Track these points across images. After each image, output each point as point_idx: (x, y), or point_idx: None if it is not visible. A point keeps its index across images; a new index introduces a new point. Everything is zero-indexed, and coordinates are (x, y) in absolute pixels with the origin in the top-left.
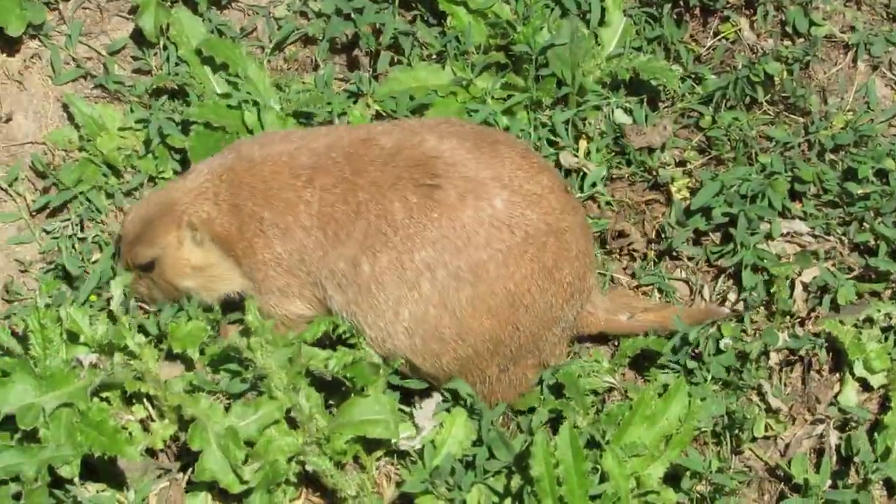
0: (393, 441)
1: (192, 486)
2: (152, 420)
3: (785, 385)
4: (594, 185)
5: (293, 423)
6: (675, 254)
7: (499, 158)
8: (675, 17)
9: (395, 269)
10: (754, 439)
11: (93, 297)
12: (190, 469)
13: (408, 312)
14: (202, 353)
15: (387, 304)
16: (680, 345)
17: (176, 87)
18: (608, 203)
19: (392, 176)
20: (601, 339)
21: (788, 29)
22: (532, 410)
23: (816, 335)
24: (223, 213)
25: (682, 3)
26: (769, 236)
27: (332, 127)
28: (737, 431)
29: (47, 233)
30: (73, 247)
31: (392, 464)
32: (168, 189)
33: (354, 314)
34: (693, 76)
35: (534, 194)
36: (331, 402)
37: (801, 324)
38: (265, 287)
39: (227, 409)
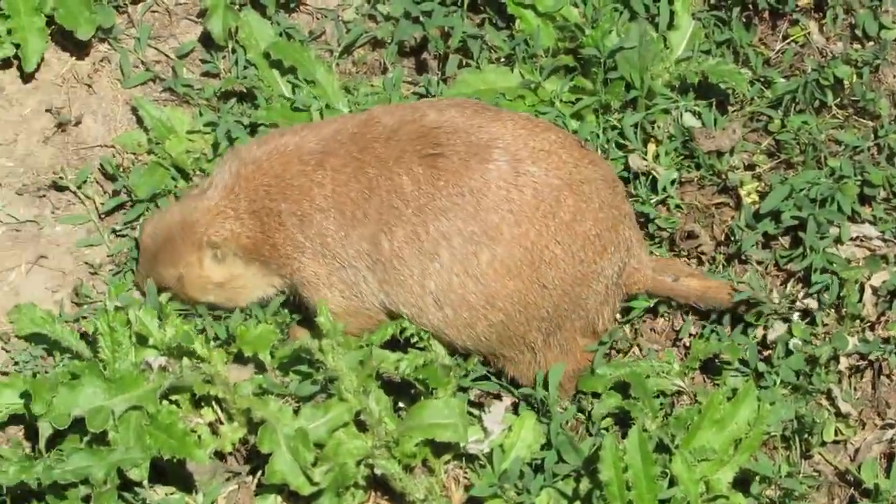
0: (461, 445)
1: (260, 490)
2: (221, 423)
3: (855, 389)
4: (664, 188)
5: (362, 427)
6: (743, 257)
7: (500, 121)
8: (744, 20)
9: (412, 242)
10: (824, 444)
11: (163, 301)
12: (259, 472)
13: (433, 284)
14: (272, 355)
15: (412, 278)
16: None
17: (244, 91)
18: (677, 206)
19: (396, 150)
20: (670, 337)
21: (858, 32)
22: (597, 396)
23: (886, 340)
24: (246, 225)
25: (751, 6)
26: (838, 240)
27: (334, 116)
28: (806, 436)
29: (116, 233)
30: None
31: (461, 467)
32: (187, 208)
33: (388, 294)
34: (762, 80)
35: (541, 150)
36: (400, 404)
37: (871, 328)
38: (297, 279)
39: (296, 411)
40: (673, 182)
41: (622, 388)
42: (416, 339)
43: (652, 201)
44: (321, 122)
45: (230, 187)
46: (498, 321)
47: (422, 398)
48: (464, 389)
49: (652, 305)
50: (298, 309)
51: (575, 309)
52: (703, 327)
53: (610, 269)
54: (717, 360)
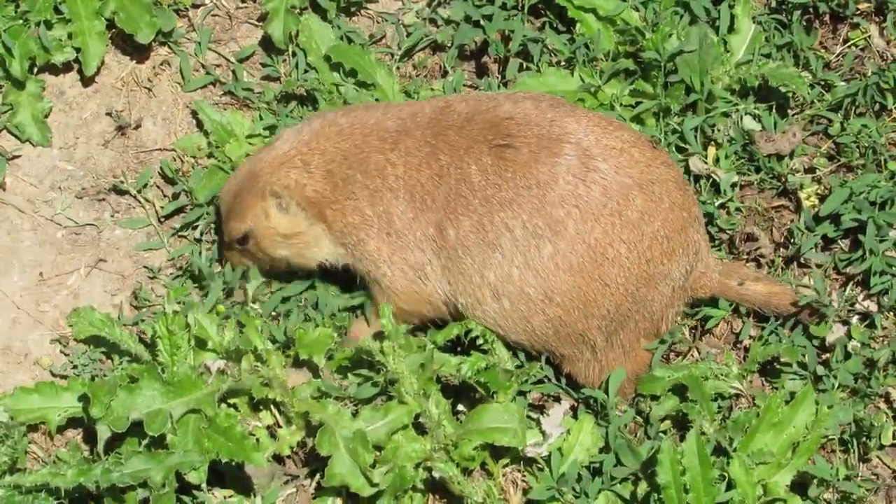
0: (520, 448)
1: (319, 493)
2: (279, 426)
3: None
4: (724, 191)
5: (421, 429)
6: (802, 261)
7: (574, 117)
8: (804, 23)
9: (477, 231)
10: (882, 447)
11: (220, 308)
12: (317, 475)
13: (493, 274)
14: (330, 358)
15: (473, 267)
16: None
17: (304, 94)
18: (737, 209)
19: (468, 139)
20: (729, 341)
21: None
22: (655, 398)
23: None
24: (315, 178)
25: (811, 9)
26: None
27: (411, 101)
28: (864, 439)
29: (176, 232)
30: (202, 252)
31: (519, 470)
32: (252, 160)
33: (448, 281)
34: (822, 83)
35: (612, 148)
36: (459, 407)
37: None
38: (357, 252)
39: (354, 414)
40: (733, 185)
41: (680, 390)
42: (481, 341)
43: (716, 203)
44: (401, 103)
45: (306, 141)
46: (555, 316)
47: (481, 402)
48: (523, 393)
49: (729, 313)
50: (352, 309)
51: (639, 309)
52: (763, 329)
53: (677, 272)
54: (775, 364)
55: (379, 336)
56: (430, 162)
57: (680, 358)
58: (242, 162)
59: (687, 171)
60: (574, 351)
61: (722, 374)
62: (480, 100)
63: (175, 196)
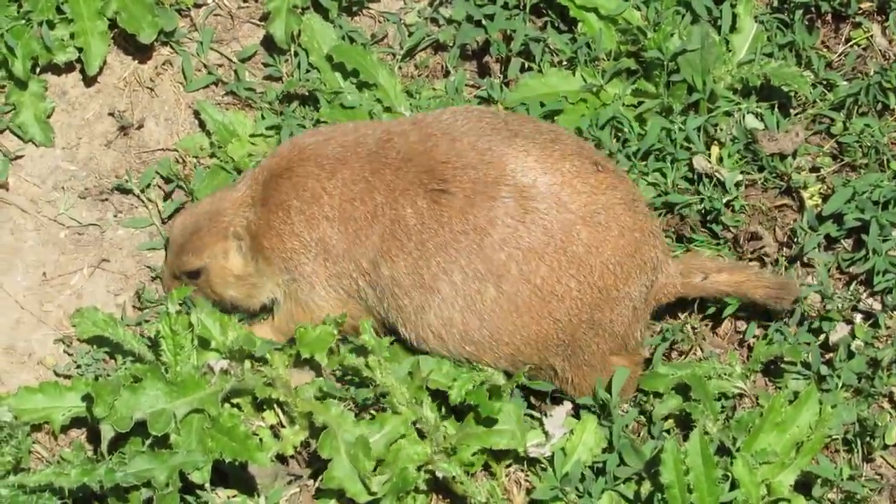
0: (521, 449)
1: (319, 494)
2: (283, 426)
3: None
4: (729, 190)
5: (422, 434)
6: (806, 260)
7: (513, 154)
8: (806, 23)
9: (412, 274)
10: (886, 447)
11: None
12: (320, 476)
13: (433, 317)
14: (331, 352)
15: (411, 307)
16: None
17: (306, 94)
18: (742, 208)
19: (404, 181)
20: (733, 340)
21: None
22: (659, 395)
23: None
24: (256, 212)
25: (813, 9)
26: None
27: (362, 122)
28: (868, 439)
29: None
30: None
31: (522, 470)
32: (216, 198)
33: (387, 312)
34: (824, 82)
35: (552, 185)
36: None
37: None
38: (297, 274)
39: (357, 415)
40: (737, 184)
41: (683, 389)
42: None
43: (723, 201)
44: (350, 127)
45: (255, 176)
46: (507, 354)
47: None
48: (525, 390)
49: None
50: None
51: (598, 332)
52: (767, 328)
53: (636, 292)
54: (779, 363)
55: (362, 351)
56: (365, 198)
57: (683, 356)
58: (201, 200)
59: (691, 169)
60: (539, 373)
61: (725, 374)
62: (420, 136)
63: (167, 196)
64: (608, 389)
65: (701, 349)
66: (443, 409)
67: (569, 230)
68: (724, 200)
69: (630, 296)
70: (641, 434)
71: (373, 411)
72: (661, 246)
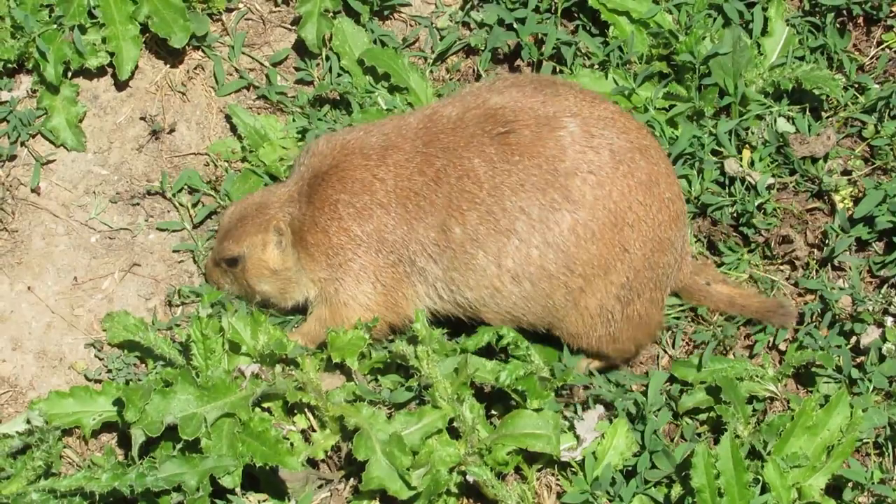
0: (555, 455)
1: (354, 496)
2: (313, 430)
3: None
4: (761, 192)
5: (455, 434)
6: (836, 263)
7: (561, 95)
8: (838, 26)
9: (487, 221)
10: None
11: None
12: (352, 479)
13: (510, 260)
14: (363, 357)
15: (487, 258)
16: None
17: (338, 97)
18: (774, 210)
19: (465, 136)
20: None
21: None
22: (687, 386)
23: None
24: (301, 207)
25: (845, 12)
26: None
27: (396, 115)
28: None
29: (211, 237)
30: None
31: (553, 474)
32: (267, 191)
33: (453, 280)
34: (856, 85)
35: (605, 118)
36: (492, 412)
37: None
38: (342, 272)
39: (389, 417)
40: (768, 188)
41: (714, 391)
42: (513, 347)
43: (755, 203)
44: (385, 119)
45: (302, 174)
46: (577, 287)
47: (516, 407)
48: (560, 395)
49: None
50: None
51: (652, 277)
52: (797, 331)
53: (678, 242)
54: (810, 367)
55: (412, 340)
56: (424, 168)
57: (719, 353)
58: (255, 192)
59: (722, 173)
60: (589, 326)
61: (757, 376)
62: (465, 98)
63: (195, 204)
64: (644, 393)
65: (732, 353)
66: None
67: (631, 157)
68: (757, 203)
69: (675, 244)
70: (675, 439)
71: (408, 409)
72: (686, 222)
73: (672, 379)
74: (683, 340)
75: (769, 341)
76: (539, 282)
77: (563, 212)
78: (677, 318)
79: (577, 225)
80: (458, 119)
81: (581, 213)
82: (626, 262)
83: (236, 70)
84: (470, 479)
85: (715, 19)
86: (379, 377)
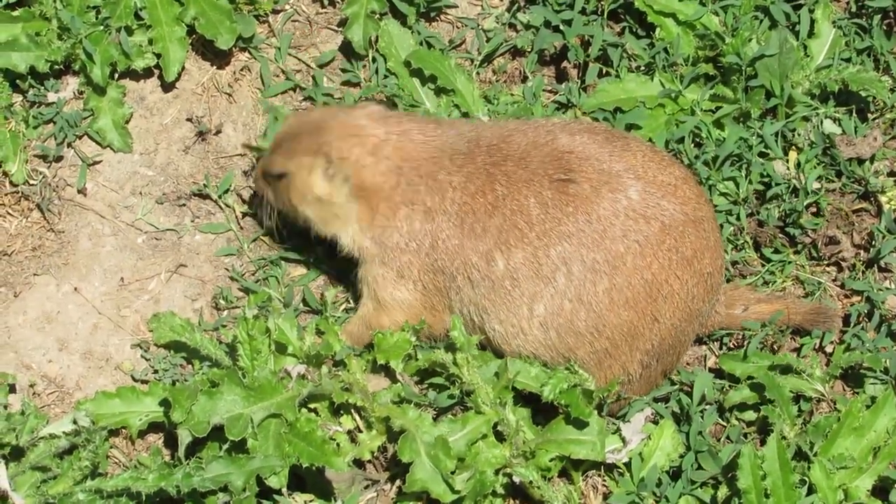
0: (599, 460)
1: (399, 498)
2: (360, 431)
3: None
4: (809, 192)
5: (500, 436)
6: (883, 264)
7: (630, 151)
8: (884, 27)
9: (530, 264)
10: None
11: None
12: (397, 480)
13: (543, 307)
14: (409, 358)
15: (521, 299)
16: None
17: (384, 99)
18: (821, 211)
19: (528, 171)
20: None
21: None
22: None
23: None
24: (382, 168)
25: (892, 13)
26: None
27: (478, 121)
28: None
29: (257, 237)
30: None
31: (599, 475)
32: (332, 112)
33: (484, 308)
34: None
35: (668, 185)
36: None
37: None
38: (388, 259)
39: (435, 418)
40: (815, 191)
41: (760, 388)
42: None
43: (804, 203)
44: (468, 124)
45: (389, 131)
46: (602, 349)
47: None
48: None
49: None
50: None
51: (675, 345)
52: (844, 333)
53: (707, 310)
54: (858, 369)
55: (451, 348)
56: (486, 191)
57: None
58: (326, 105)
59: (768, 175)
60: (608, 375)
61: (805, 373)
62: (537, 131)
63: (249, 202)
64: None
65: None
66: (524, 413)
67: (682, 231)
68: (807, 202)
69: (702, 314)
70: (721, 440)
71: (451, 415)
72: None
73: (719, 373)
74: (731, 338)
75: (816, 344)
76: (565, 335)
77: (602, 274)
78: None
79: (612, 289)
80: (525, 151)
81: (618, 278)
82: (654, 330)
83: (283, 71)
84: (516, 480)
85: (761, 21)
86: (426, 379)
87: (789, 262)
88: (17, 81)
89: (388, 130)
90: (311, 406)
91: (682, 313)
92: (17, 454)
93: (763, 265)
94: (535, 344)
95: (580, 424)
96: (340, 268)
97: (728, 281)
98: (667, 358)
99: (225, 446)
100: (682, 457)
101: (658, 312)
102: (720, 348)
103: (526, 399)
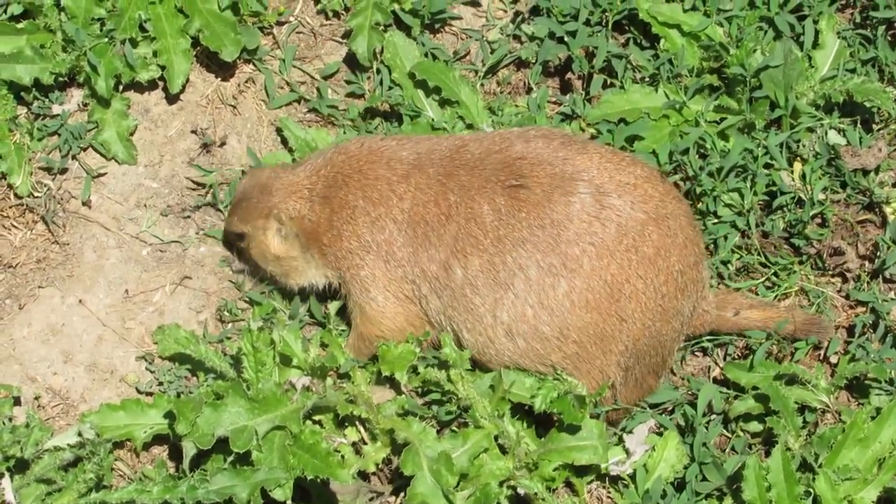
0: (602, 466)
1: None
2: (364, 443)
3: None
4: (815, 203)
5: (503, 448)
6: (888, 275)
7: (586, 154)
8: (889, 38)
9: (487, 271)
10: None
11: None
12: (402, 493)
13: (506, 314)
14: (415, 370)
15: (484, 307)
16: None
17: (389, 110)
18: (824, 224)
19: (480, 179)
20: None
21: None
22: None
23: None
24: (314, 206)
25: None
26: None
27: (433, 135)
28: None
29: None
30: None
31: (604, 487)
32: (273, 174)
33: (452, 318)
34: None
35: (627, 184)
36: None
37: None
38: (350, 276)
39: (439, 431)
40: (821, 201)
41: (764, 399)
42: None
43: (810, 214)
44: (422, 137)
45: (317, 169)
46: (573, 353)
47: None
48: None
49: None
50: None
51: (653, 344)
52: (848, 343)
53: (687, 308)
54: (862, 379)
55: (443, 365)
56: (439, 200)
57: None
58: (271, 168)
59: (774, 184)
60: (590, 382)
61: (809, 384)
62: (493, 140)
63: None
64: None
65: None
66: (524, 424)
67: (641, 230)
68: (812, 213)
69: (681, 312)
70: (726, 451)
71: (454, 428)
72: (707, 271)
73: (724, 383)
74: (737, 346)
75: (820, 354)
76: (532, 341)
77: (560, 277)
78: (729, 334)
79: (572, 292)
80: (479, 159)
81: (577, 281)
82: (623, 331)
83: (287, 83)
84: (520, 492)
85: (766, 32)
86: (429, 388)
87: (794, 272)
88: (22, 93)
89: (318, 167)
90: (316, 418)
91: (653, 312)
92: (21, 467)
93: (768, 268)
94: (506, 353)
95: (578, 430)
96: None
97: (727, 286)
98: (648, 359)
99: (230, 459)
100: (686, 468)
101: (623, 312)
102: (724, 358)
103: (525, 411)
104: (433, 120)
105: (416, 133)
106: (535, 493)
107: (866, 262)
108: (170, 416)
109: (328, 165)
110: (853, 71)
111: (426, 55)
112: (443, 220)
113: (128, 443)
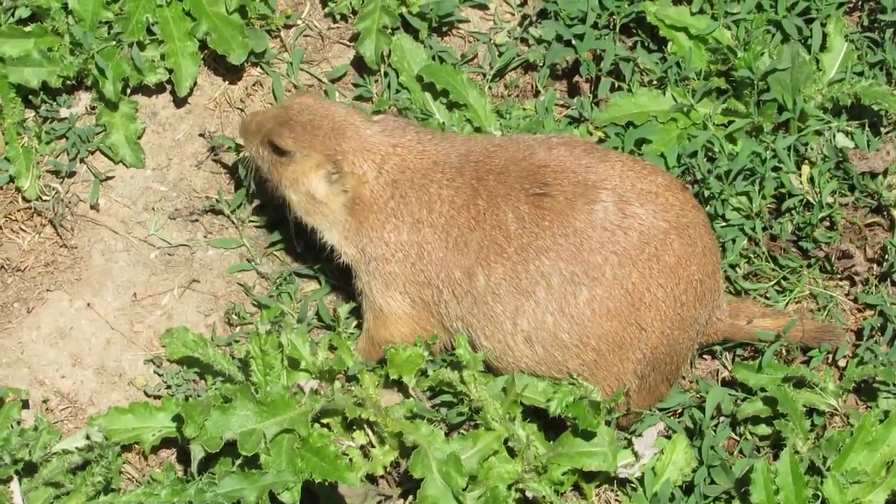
0: (612, 472)
1: None
2: (373, 446)
3: None
4: (823, 206)
5: (512, 452)
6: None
7: (608, 162)
8: None
9: (510, 279)
10: None
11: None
12: (410, 496)
13: (526, 322)
14: (423, 374)
15: (504, 314)
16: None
17: (397, 111)
18: (833, 227)
19: (505, 186)
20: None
21: None
22: (748, 392)
23: None
24: (380, 182)
25: None
26: None
27: (469, 135)
28: None
29: (267, 250)
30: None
31: (612, 490)
32: (352, 117)
33: (471, 325)
34: None
35: (648, 192)
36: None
37: None
38: (372, 268)
39: (446, 434)
40: (829, 204)
41: (772, 402)
42: None
43: (818, 216)
44: (461, 137)
45: (394, 143)
46: (591, 360)
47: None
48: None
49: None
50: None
51: (669, 353)
52: (857, 347)
53: (703, 316)
54: (871, 383)
55: (457, 366)
56: (470, 205)
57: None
58: (342, 104)
59: (781, 188)
60: (605, 388)
61: (818, 387)
62: (517, 147)
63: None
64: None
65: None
66: (534, 427)
67: (663, 239)
68: (821, 216)
69: (698, 321)
70: (734, 454)
71: (462, 431)
72: (722, 280)
73: (732, 385)
74: (745, 347)
75: (828, 357)
76: (551, 349)
77: (582, 286)
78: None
79: (593, 300)
80: (504, 165)
81: (598, 289)
82: (642, 339)
83: (295, 86)
84: (529, 495)
85: (773, 35)
86: (438, 395)
87: (802, 276)
88: (30, 97)
89: (395, 143)
90: (324, 421)
91: (671, 321)
92: (30, 470)
93: (777, 272)
94: (524, 360)
95: (590, 436)
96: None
97: (737, 294)
98: (663, 367)
99: (238, 462)
100: (694, 471)
101: (643, 321)
102: (732, 361)
103: (536, 414)
104: (442, 123)
105: (447, 131)
106: (544, 497)
107: (874, 266)
108: (178, 419)
109: (403, 147)
110: (861, 74)
111: (434, 58)
112: (472, 225)
113: (136, 446)
